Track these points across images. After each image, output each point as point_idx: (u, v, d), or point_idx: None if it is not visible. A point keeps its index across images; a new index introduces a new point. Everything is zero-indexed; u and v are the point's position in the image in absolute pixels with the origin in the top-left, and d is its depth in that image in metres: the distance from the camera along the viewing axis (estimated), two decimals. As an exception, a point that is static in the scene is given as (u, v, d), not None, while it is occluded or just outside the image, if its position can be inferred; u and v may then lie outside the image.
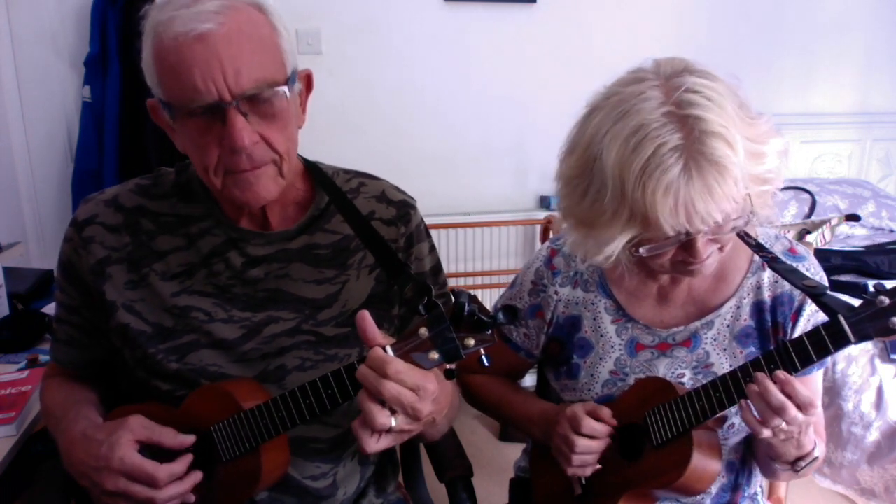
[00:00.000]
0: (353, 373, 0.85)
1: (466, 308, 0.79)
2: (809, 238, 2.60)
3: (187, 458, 0.94)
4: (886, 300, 0.83)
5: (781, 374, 0.91)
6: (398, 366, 0.80)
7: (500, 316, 0.80)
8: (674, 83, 0.89)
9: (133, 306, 1.04)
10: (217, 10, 0.87)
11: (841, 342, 0.87)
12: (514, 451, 1.40)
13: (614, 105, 0.91)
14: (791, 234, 2.67)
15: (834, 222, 2.70)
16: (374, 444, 0.83)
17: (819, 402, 1.12)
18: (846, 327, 0.86)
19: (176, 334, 1.03)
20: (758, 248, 1.06)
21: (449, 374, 0.84)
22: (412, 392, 0.80)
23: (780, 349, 0.91)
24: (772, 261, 1.04)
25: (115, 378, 1.14)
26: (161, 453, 0.94)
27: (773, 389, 0.90)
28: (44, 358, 1.56)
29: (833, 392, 2.22)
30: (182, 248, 1.05)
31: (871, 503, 2.16)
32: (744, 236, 1.06)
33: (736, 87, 0.92)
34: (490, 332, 0.81)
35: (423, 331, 0.81)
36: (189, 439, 0.95)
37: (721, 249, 0.98)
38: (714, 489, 1.14)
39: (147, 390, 1.04)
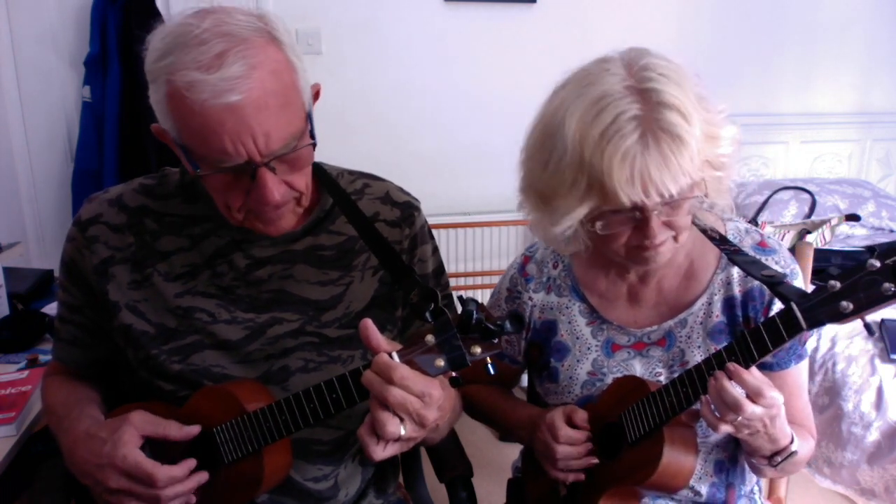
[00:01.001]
0: (358, 378, 0.85)
1: (474, 316, 0.79)
2: (809, 238, 2.60)
3: (190, 463, 0.94)
4: (838, 284, 0.82)
5: (731, 365, 0.91)
6: (404, 371, 0.79)
7: (507, 325, 0.81)
8: (636, 62, 0.93)
9: (136, 306, 1.04)
10: (242, 75, 0.83)
11: (794, 329, 0.86)
12: (513, 452, 1.41)
13: (579, 80, 0.96)
14: (791, 234, 2.67)
15: (834, 222, 2.70)
16: (381, 452, 0.83)
17: (806, 393, 1.13)
18: (798, 314, 0.86)
19: (179, 335, 1.03)
20: (720, 241, 1.06)
21: (454, 382, 0.84)
22: (418, 398, 0.80)
23: (738, 340, 0.92)
24: (733, 253, 1.04)
25: (116, 377, 1.14)
26: (165, 450, 0.94)
27: (727, 386, 0.91)
28: (44, 358, 1.56)
29: (833, 392, 2.22)
30: (186, 249, 1.05)
31: (871, 503, 2.16)
32: (707, 231, 1.07)
33: (696, 80, 0.95)
34: (496, 340, 0.81)
35: (430, 338, 0.81)
36: (194, 429, 0.95)
37: (676, 239, 0.99)
38: (704, 489, 1.14)
39: (150, 390, 1.04)
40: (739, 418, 0.91)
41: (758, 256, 1.05)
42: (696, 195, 0.94)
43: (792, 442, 0.99)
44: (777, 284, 0.93)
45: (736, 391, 0.91)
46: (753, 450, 1.01)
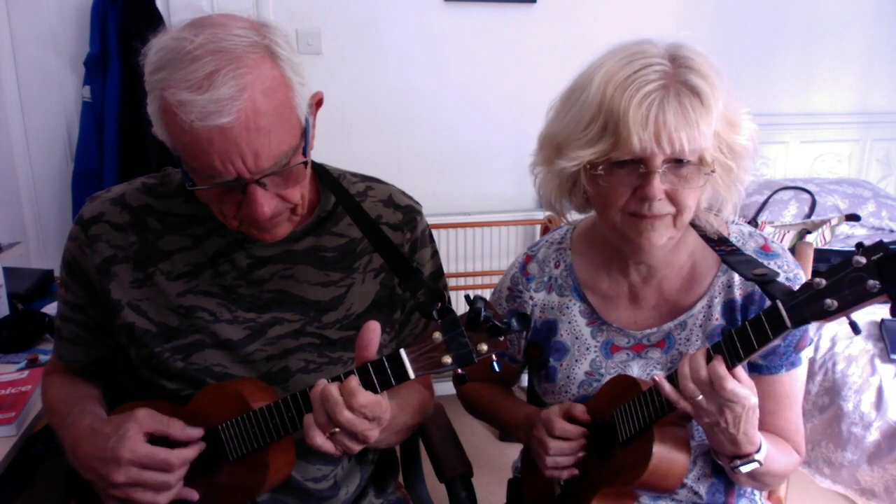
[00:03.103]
0: (367, 375, 0.86)
1: (483, 314, 0.80)
2: (809, 238, 2.60)
3: (198, 446, 0.96)
4: (823, 282, 0.80)
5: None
6: (362, 399, 0.83)
7: (514, 323, 0.81)
8: (674, 44, 0.99)
9: (138, 305, 1.04)
10: (231, 96, 0.83)
11: (779, 328, 0.84)
12: (513, 452, 1.41)
13: (618, 48, 1.00)
14: (791, 234, 2.67)
15: (834, 222, 2.70)
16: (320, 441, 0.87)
17: (798, 407, 1.11)
18: (783, 312, 0.84)
19: (181, 334, 1.03)
20: (717, 242, 1.06)
21: (460, 380, 0.85)
22: (369, 422, 0.84)
23: (725, 339, 0.90)
24: (728, 254, 1.04)
25: (116, 376, 1.14)
26: (166, 446, 0.94)
27: (700, 360, 0.91)
28: (44, 358, 1.56)
29: (833, 392, 2.22)
30: (188, 248, 1.05)
31: (871, 503, 2.16)
32: (703, 229, 1.07)
33: (728, 80, 0.98)
34: (503, 338, 0.82)
35: (437, 335, 0.82)
36: (197, 432, 0.96)
37: (675, 222, 0.99)
38: (704, 489, 1.13)
39: (153, 389, 1.05)
40: (700, 397, 0.91)
41: (760, 260, 1.04)
42: (701, 166, 0.95)
43: (758, 451, 0.97)
44: (767, 283, 0.91)
45: (703, 372, 0.90)
46: (716, 445, 0.99)
